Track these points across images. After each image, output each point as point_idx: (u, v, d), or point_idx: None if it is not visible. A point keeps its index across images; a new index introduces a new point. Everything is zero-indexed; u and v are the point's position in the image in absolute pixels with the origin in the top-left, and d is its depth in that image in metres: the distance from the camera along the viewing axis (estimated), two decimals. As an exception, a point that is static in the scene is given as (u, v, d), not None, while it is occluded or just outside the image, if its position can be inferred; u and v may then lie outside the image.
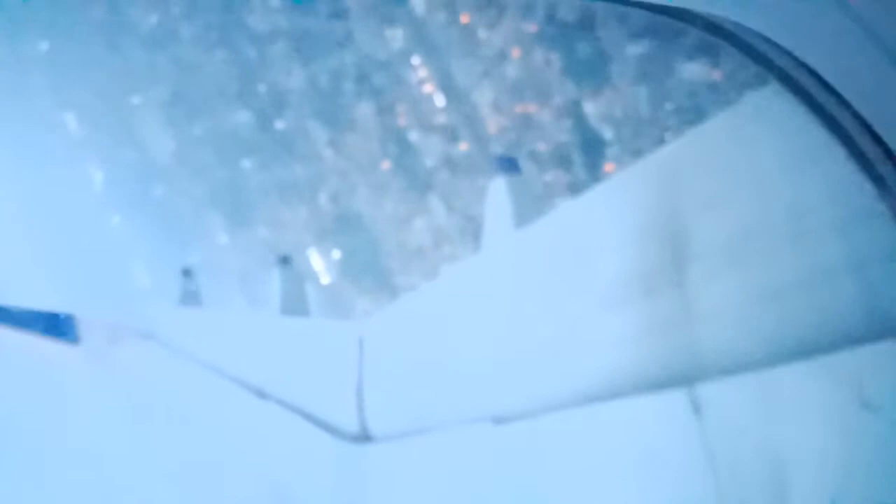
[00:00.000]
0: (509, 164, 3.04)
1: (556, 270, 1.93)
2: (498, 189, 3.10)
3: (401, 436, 2.61)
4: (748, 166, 1.50)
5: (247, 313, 5.16)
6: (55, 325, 6.59)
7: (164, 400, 5.42)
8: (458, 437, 2.24)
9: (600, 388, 1.75)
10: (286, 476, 3.67)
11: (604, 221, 1.81)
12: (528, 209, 3.10)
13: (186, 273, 7.10)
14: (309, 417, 3.32)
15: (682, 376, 1.48)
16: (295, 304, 5.29)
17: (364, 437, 2.80)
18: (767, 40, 1.04)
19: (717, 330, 1.46)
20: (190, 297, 6.75)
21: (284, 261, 5.46)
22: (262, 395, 3.90)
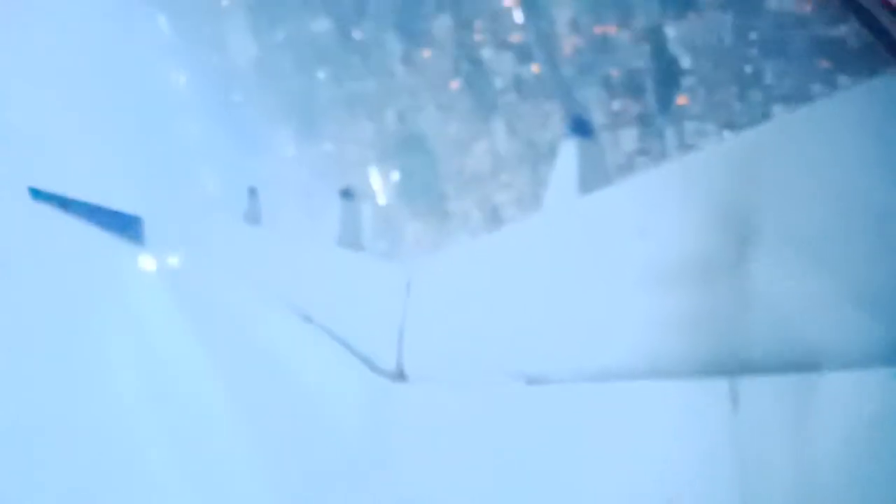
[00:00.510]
0: (582, 126, 2.96)
1: (614, 242, 1.88)
2: (568, 150, 3.03)
3: (435, 380, 2.67)
4: (838, 159, 1.41)
5: (303, 240, 5.31)
6: (124, 225, 6.97)
7: (215, 312, 5.69)
8: (490, 392, 2.26)
9: (640, 365, 1.73)
10: (320, 400, 3.84)
11: (671, 199, 1.75)
12: (597, 175, 3.03)
13: (252, 192, 7.36)
14: (349, 348, 3.43)
15: (726, 367, 1.45)
16: (351, 237, 5.41)
17: (399, 375, 2.87)
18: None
19: (769, 326, 1.40)
20: (252, 216, 7.01)
21: (346, 193, 5.55)
22: (307, 319, 4.06)
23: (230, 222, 6.97)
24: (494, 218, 18.05)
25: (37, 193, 7.80)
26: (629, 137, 16.19)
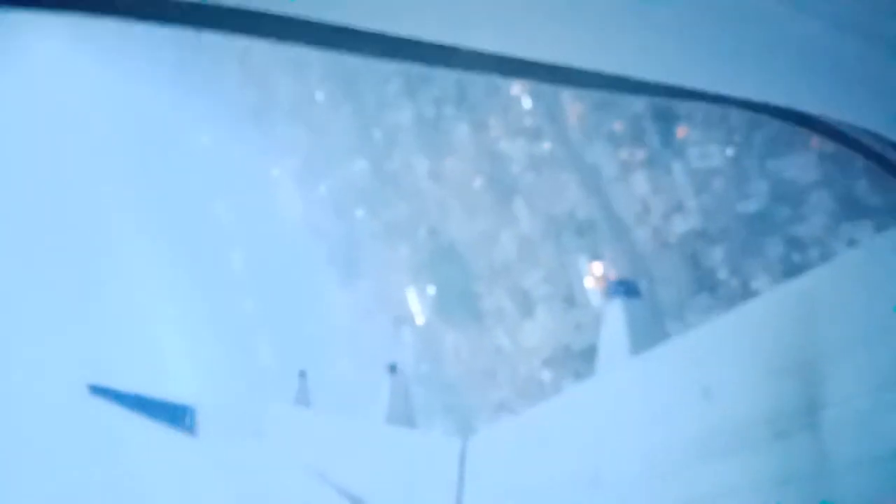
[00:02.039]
0: (628, 288, 2.98)
1: (675, 404, 1.79)
2: (615, 312, 3.02)
3: None
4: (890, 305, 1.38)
5: (353, 419, 5.25)
6: (178, 415, 7.11)
7: (267, 497, 5.52)
8: None
9: None
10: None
11: (732, 353, 1.69)
12: (648, 334, 2.99)
13: (302, 375, 7.46)
14: None
15: None
16: (400, 413, 5.33)
17: None
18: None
19: (852, 481, 1.29)
20: (303, 398, 7.03)
21: (393, 368, 5.56)
22: (358, 502, 3.87)
23: (281, 406, 6.99)
24: (526, 304, 17.94)
25: (95, 389, 8.10)
26: (640, 181, 16.46)
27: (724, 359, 1.73)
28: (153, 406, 7.26)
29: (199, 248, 31.08)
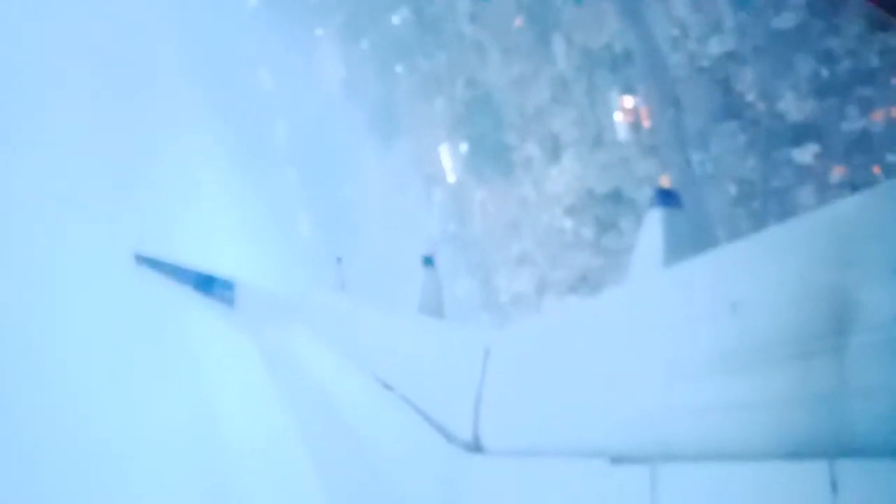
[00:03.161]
0: (669, 197, 2.92)
1: (703, 316, 1.80)
2: (653, 221, 2.99)
3: (513, 453, 2.59)
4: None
5: (386, 306, 5.45)
6: (218, 288, 7.42)
7: (300, 376, 5.86)
8: (572, 469, 2.17)
9: (732, 446, 1.62)
10: (394, 469, 3.81)
11: (762, 272, 1.67)
12: (684, 245, 2.96)
13: (338, 261, 7.68)
14: (426, 417, 3.41)
15: (825, 449, 1.34)
16: (432, 305, 5.51)
17: (475, 446, 2.80)
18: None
19: (872, 407, 1.30)
20: (338, 282, 7.29)
21: (428, 261, 5.70)
22: (388, 387, 4.09)
23: (317, 289, 7.25)
24: (555, 150, 18.24)
25: (140, 259, 8.46)
26: (680, 2, 15.34)
27: (755, 276, 1.71)
28: (194, 277, 7.61)
29: (245, 117, 31.22)
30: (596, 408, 2.17)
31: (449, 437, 2.85)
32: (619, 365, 2.12)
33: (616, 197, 17.91)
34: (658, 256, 2.65)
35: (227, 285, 7.27)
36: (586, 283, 18.55)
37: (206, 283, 7.42)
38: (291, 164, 29.45)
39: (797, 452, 1.46)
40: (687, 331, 1.87)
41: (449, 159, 20.96)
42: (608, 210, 18.17)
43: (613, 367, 2.14)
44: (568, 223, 18.90)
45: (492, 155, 19.53)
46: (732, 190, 15.29)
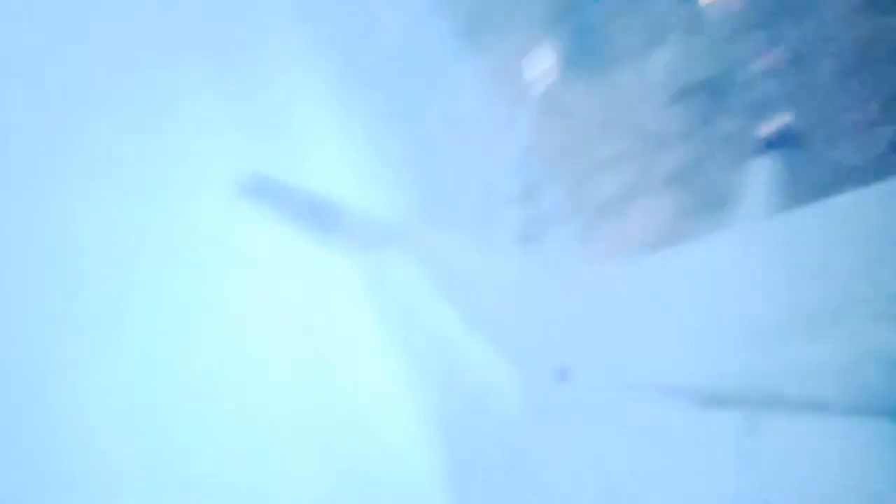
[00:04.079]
0: (787, 141, 2.72)
1: (790, 270, 1.74)
2: (764, 166, 2.83)
3: (598, 388, 2.65)
4: None
5: (475, 240, 5.50)
6: (323, 213, 7.67)
7: (398, 304, 6.08)
8: (660, 409, 2.20)
9: (829, 399, 1.60)
10: (485, 394, 3.97)
11: (854, 232, 1.59)
12: (798, 193, 2.81)
13: (434, 196, 7.67)
14: (515, 348, 3.51)
15: None
16: (530, 237, 5.50)
17: (562, 376, 2.88)
18: None
19: None
20: (431, 214, 7.34)
21: (527, 193, 5.64)
22: (478, 317, 4.20)
23: (411, 218, 7.39)
24: (656, 39, 16.93)
25: (246, 182, 8.77)
26: None
27: (848, 236, 1.66)
28: (299, 200, 7.84)
29: (345, 35, 30.86)
30: (689, 350, 2.19)
31: (537, 366, 2.94)
32: (715, 310, 2.12)
33: (718, 83, 16.37)
34: (764, 205, 2.56)
35: (331, 209, 7.49)
36: (680, 181, 17.28)
37: (310, 209, 7.65)
38: (381, 86, 28.92)
39: (876, 409, 1.46)
40: (795, 276, 1.83)
41: (543, 61, 19.85)
42: (710, 98, 16.68)
43: (710, 312, 2.14)
44: (666, 115, 17.58)
45: (588, 51, 18.28)
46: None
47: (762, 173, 2.61)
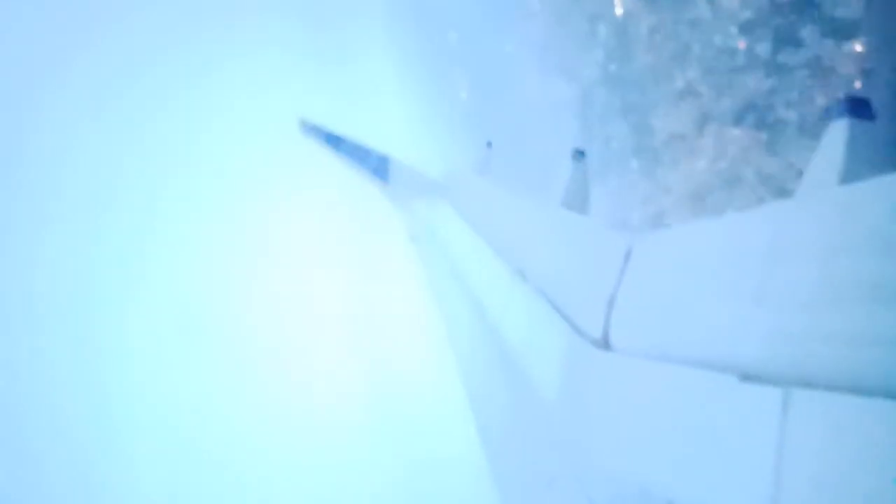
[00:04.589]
0: (858, 107, 2.55)
1: (864, 241, 1.62)
2: (836, 133, 2.67)
3: (641, 355, 2.61)
4: None
5: (528, 197, 5.46)
6: (376, 163, 7.81)
7: (438, 252, 6.13)
8: (699, 381, 2.15)
9: (873, 380, 1.51)
10: (523, 355, 3.99)
11: None
12: (869, 163, 2.65)
13: (488, 145, 7.70)
14: (558, 309, 3.49)
15: None
16: (577, 200, 5.42)
17: (604, 343, 2.84)
18: None
19: None
20: (483, 167, 7.36)
21: (578, 154, 5.53)
22: (521, 275, 4.19)
23: (463, 172, 7.38)
24: None
25: (306, 127, 8.98)
26: None
27: None
28: (356, 150, 8.01)
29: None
30: (734, 321, 2.12)
31: (579, 332, 2.91)
32: (765, 280, 2.03)
33: (800, 4, 15.23)
34: (836, 172, 2.41)
35: (383, 160, 7.61)
36: (754, 112, 16.20)
37: (365, 157, 7.80)
38: (451, 26, 28.24)
39: None
40: (854, 253, 1.73)
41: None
42: (788, 21, 15.51)
43: (759, 282, 2.05)
44: (741, 42, 16.44)
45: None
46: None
47: (836, 138, 2.45)
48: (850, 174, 2.34)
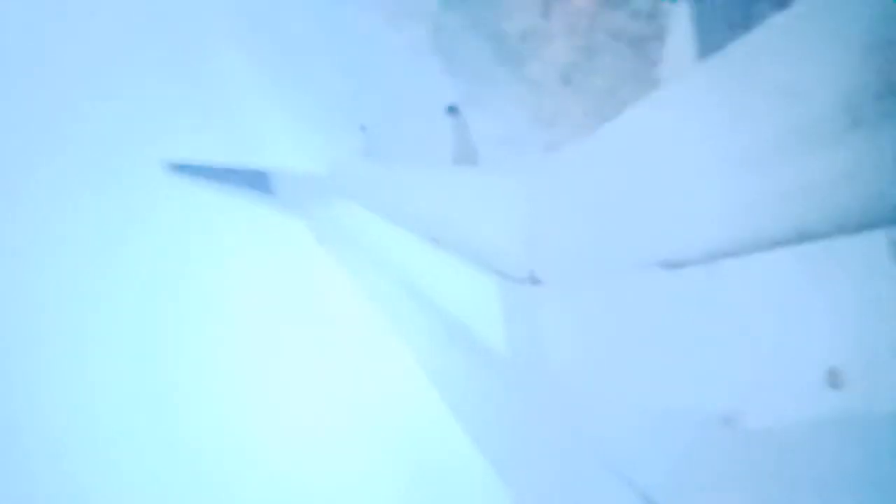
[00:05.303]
0: None
1: (749, 105, 1.69)
2: (678, 14, 2.76)
3: (570, 280, 2.66)
4: None
5: (418, 166, 5.44)
6: (258, 181, 7.49)
7: (352, 244, 6.02)
8: (626, 282, 2.21)
9: (786, 231, 1.60)
10: (460, 315, 4.00)
11: (806, 44, 1.54)
12: (718, 34, 2.75)
13: (363, 128, 7.57)
14: (480, 262, 3.50)
15: (882, 219, 1.31)
16: (465, 153, 5.45)
17: (533, 280, 2.88)
18: None
19: None
20: (366, 150, 7.24)
21: (452, 110, 5.56)
22: (435, 240, 4.18)
23: (349, 161, 7.24)
24: None
25: (175, 167, 8.48)
26: None
27: (801, 50, 1.58)
28: (228, 174, 7.64)
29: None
30: (643, 218, 2.15)
31: (505, 277, 2.91)
32: (662, 169, 2.07)
33: None
34: (690, 52, 2.49)
35: (261, 175, 7.31)
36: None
37: (241, 178, 7.46)
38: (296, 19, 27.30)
39: (853, 229, 1.43)
40: (737, 121, 1.77)
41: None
42: None
43: (656, 173, 2.08)
44: None
45: None
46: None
47: (682, 19, 2.52)
48: (706, 48, 2.41)
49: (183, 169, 8.09)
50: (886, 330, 1.35)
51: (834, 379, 1.50)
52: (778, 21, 1.69)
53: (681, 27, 2.70)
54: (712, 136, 1.84)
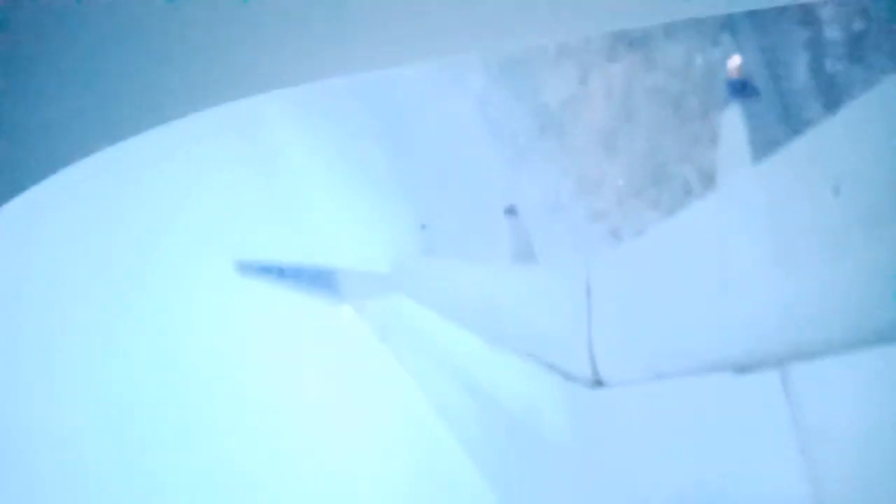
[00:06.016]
0: (743, 88, 2.71)
1: (801, 204, 1.68)
2: (732, 117, 2.81)
3: (634, 382, 2.58)
4: None
5: (478, 263, 5.51)
6: (321, 281, 7.68)
7: (412, 340, 6.06)
8: (696, 386, 2.14)
9: (859, 336, 1.53)
10: (522, 414, 3.91)
11: (860, 144, 1.54)
12: (770, 137, 2.78)
13: (423, 227, 7.79)
14: (542, 362, 3.45)
15: None
16: (523, 251, 5.50)
17: (596, 381, 2.81)
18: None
19: None
20: (428, 248, 7.41)
21: (510, 211, 5.68)
22: (496, 340, 4.16)
23: (409, 259, 7.41)
24: None
25: (244, 266, 8.83)
26: None
27: (854, 150, 1.60)
28: (297, 273, 7.89)
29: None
30: (712, 319, 2.13)
31: (568, 378, 2.88)
32: (727, 271, 2.06)
33: None
34: (745, 154, 2.53)
35: (328, 274, 7.54)
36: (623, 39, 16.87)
37: (308, 278, 7.69)
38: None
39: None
40: (789, 221, 1.78)
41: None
42: None
43: (722, 275, 2.08)
44: None
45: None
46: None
47: (734, 121, 2.58)
48: (759, 151, 2.46)
49: (252, 268, 8.38)
50: None
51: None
52: (832, 123, 1.72)
53: (733, 128, 2.76)
54: (767, 238, 1.85)
